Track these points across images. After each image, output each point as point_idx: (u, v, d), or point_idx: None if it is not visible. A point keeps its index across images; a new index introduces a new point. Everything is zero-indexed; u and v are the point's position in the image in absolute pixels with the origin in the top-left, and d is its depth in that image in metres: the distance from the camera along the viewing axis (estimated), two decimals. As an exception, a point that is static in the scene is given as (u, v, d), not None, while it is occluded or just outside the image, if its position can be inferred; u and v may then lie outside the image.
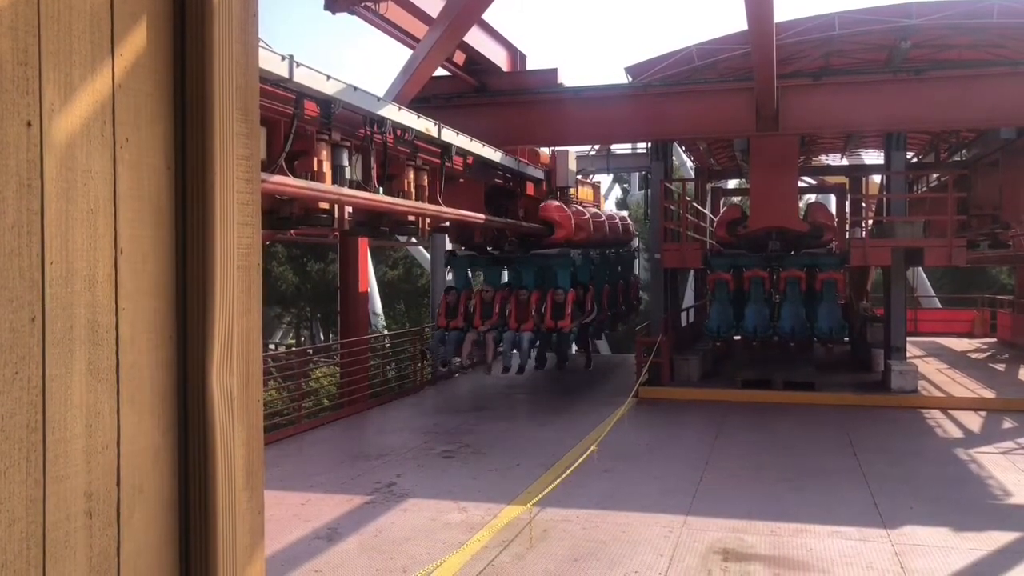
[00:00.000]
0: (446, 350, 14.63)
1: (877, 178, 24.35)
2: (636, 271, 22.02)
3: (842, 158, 26.29)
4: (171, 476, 1.73)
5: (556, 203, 14.94)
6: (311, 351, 21.76)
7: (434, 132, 10.16)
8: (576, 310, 14.74)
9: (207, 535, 1.75)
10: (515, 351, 14.45)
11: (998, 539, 7.42)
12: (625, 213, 40.62)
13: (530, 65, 17.00)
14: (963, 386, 15.64)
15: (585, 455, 9.31)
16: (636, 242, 22.14)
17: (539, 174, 14.97)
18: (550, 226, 14.75)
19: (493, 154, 12.09)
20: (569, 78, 21.37)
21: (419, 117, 9.83)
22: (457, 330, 14.51)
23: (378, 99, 9.01)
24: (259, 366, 1.87)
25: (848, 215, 21.82)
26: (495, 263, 15.66)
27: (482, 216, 12.46)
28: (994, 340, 24.04)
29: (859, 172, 24.59)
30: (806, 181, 25.31)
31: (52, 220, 1.43)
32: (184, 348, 1.74)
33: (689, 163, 26.42)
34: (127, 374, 1.60)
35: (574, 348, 17.74)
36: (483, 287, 15.22)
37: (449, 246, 17.03)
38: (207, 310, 1.72)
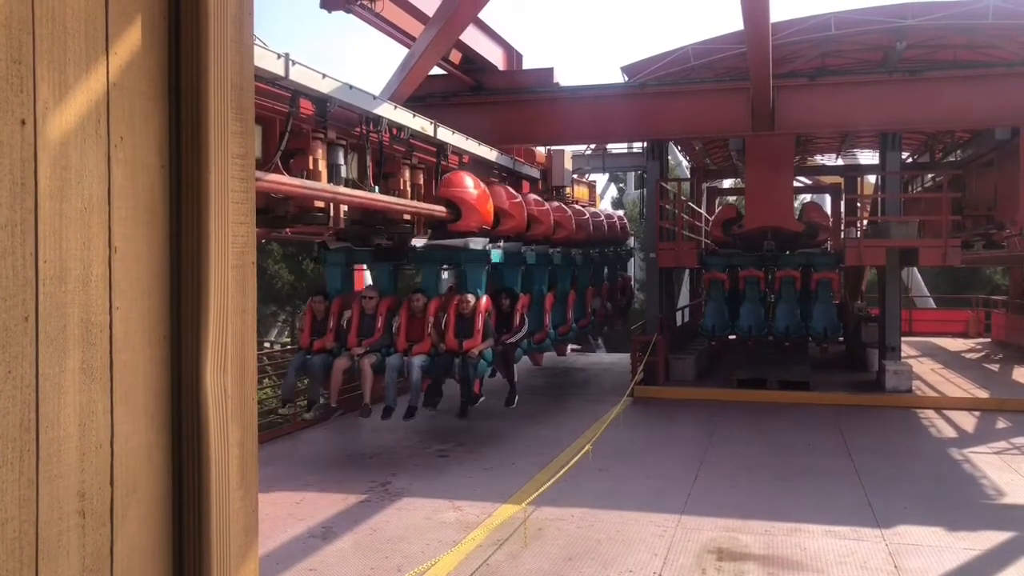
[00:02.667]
0: (311, 383, 10.87)
1: (872, 178, 24.41)
2: (630, 272, 21.54)
3: (837, 158, 26.31)
4: (165, 475, 1.73)
5: (471, 178, 10.57)
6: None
7: (430, 131, 10.16)
8: (502, 323, 11.31)
9: (201, 534, 1.75)
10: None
11: (992, 538, 7.44)
12: (621, 212, 40.66)
13: (526, 64, 17.00)
14: (957, 386, 15.67)
15: (580, 454, 9.32)
16: (632, 242, 21.80)
17: (535, 173, 14.97)
18: (456, 208, 10.30)
19: (489, 153, 12.09)
20: (565, 77, 21.38)
21: (415, 116, 9.82)
22: (324, 352, 10.50)
23: (374, 98, 9.00)
24: (254, 365, 1.87)
25: (843, 215, 21.84)
26: (383, 257, 11.17)
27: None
28: (988, 340, 24.08)
29: (854, 172, 24.64)
30: (801, 181, 25.35)
31: (46, 219, 1.43)
32: (178, 347, 1.74)
33: (685, 162, 26.43)
34: (121, 373, 1.60)
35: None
36: (366, 292, 10.94)
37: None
38: (201, 309, 1.72)
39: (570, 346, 17.13)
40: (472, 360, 10.51)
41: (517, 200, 11.93)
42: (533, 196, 13.20)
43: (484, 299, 10.83)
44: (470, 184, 10.48)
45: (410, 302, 10.65)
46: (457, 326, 10.59)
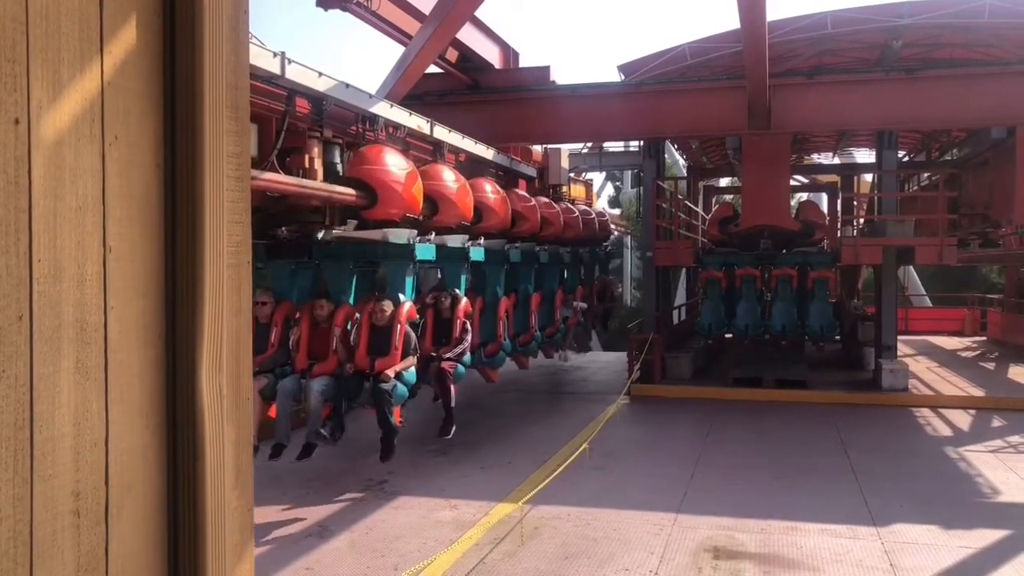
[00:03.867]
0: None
1: (868, 177, 24.43)
2: (626, 272, 21.14)
3: (834, 157, 26.33)
4: (160, 475, 1.72)
5: (395, 155, 8.71)
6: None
7: (426, 129, 10.14)
8: (440, 333, 9.74)
9: (196, 534, 1.74)
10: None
11: (987, 537, 7.46)
12: (617, 211, 40.55)
13: (523, 63, 16.99)
14: (953, 385, 15.69)
15: (577, 453, 9.32)
16: (627, 240, 21.48)
17: (532, 172, 14.95)
18: (372, 193, 8.38)
19: (485, 151, 12.07)
20: (562, 76, 21.35)
21: (411, 114, 9.81)
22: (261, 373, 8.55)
23: (370, 96, 8.99)
24: (249, 364, 1.87)
25: (839, 214, 21.86)
26: (280, 253, 8.93)
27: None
28: (984, 339, 24.13)
29: (851, 171, 24.65)
30: (798, 179, 25.37)
31: (40, 218, 1.42)
32: (173, 347, 1.74)
33: (681, 161, 26.42)
34: (116, 373, 1.59)
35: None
36: (258, 296, 8.61)
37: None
38: (196, 308, 1.72)
39: (566, 351, 15.65)
40: (385, 385, 8.45)
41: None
42: (488, 184, 11.17)
43: (406, 306, 8.80)
44: (391, 162, 8.53)
45: (312, 309, 8.61)
46: (371, 340, 8.58)
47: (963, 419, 12.99)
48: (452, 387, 9.65)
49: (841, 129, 18.37)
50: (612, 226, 30.28)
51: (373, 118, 9.00)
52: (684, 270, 23.36)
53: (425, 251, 9.21)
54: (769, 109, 14.65)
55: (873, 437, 11.62)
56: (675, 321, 19.99)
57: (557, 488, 8.43)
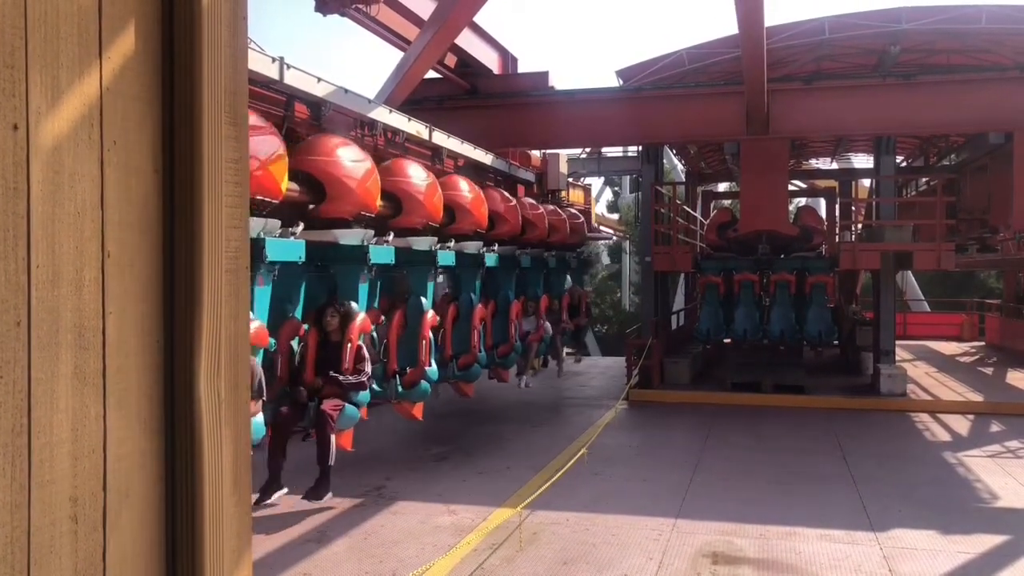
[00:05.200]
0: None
1: (867, 182, 24.46)
2: (623, 278, 20.40)
3: (832, 162, 26.38)
4: (158, 480, 1.72)
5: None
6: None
7: (425, 135, 10.15)
8: (327, 362, 7.84)
9: (194, 539, 1.74)
10: None
11: (986, 542, 7.45)
12: (613, 214, 40.50)
13: (521, 68, 17.01)
14: (951, 390, 15.70)
15: (575, 458, 9.32)
16: (625, 245, 20.97)
17: (530, 177, 14.97)
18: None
19: (484, 156, 12.08)
20: (560, 81, 21.34)
21: (410, 120, 9.82)
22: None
23: (369, 101, 9.00)
24: (247, 370, 1.87)
25: (838, 219, 21.90)
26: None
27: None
28: (982, 344, 24.16)
29: (849, 176, 24.70)
30: (796, 185, 25.41)
31: (38, 223, 1.42)
32: (172, 352, 1.74)
33: (680, 166, 26.47)
34: (114, 378, 1.59)
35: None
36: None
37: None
38: (195, 314, 1.72)
39: (525, 376, 13.31)
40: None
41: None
42: (411, 165, 9.14)
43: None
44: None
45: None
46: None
47: (961, 424, 12.99)
48: (332, 437, 7.80)
49: (839, 134, 18.41)
50: (606, 229, 29.29)
51: (372, 123, 9.01)
52: (683, 275, 23.37)
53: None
54: (767, 114, 14.68)
55: (871, 442, 11.62)
56: (674, 326, 19.99)
57: (556, 493, 8.43)
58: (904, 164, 23.98)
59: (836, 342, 18.84)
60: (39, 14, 1.42)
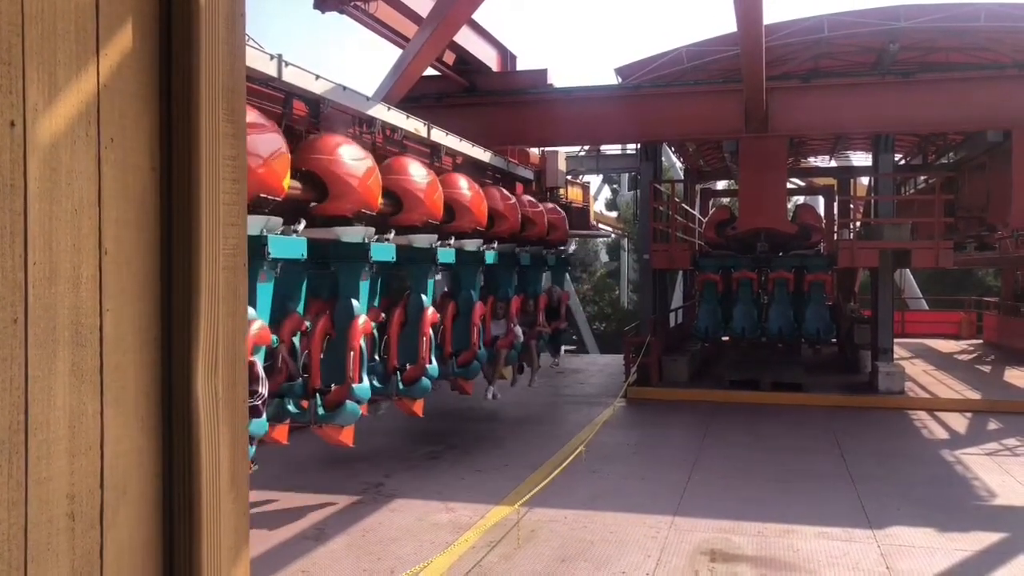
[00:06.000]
0: None
1: (865, 180, 24.48)
2: (620, 275, 19.95)
3: (830, 160, 26.40)
4: (155, 478, 1.72)
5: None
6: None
7: (423, 132, 10.14)
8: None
9: (192, 537, 1.74)
10: None
11: (983, 540, 7.47)
12: (612, 212, 40.51)
13: (520, 65, 16.99)
14: (949, 387, 15.72)
15: (573, 455, 9.33)
16: (618, 243, 20.62)
17: (529, 174, 14.96)
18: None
19: (482, 154, 12.07)
20: (559, 79, 21.32)
21: (408, 117, 9.81)
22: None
23: (367, 99, 8.99)
24: (244, 368, 1.87)
25: (836, 217, 21.91)
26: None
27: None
28: (980, 342, 24.18)
29: (847, 174, 24.71)
30: (795, 183, 25.42)
31: (35, 220, 1.42)
32: (169, 350, 1.73)
33: (678, 164, 26.48)
34: (111, 375, 1.59)
35: None
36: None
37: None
38: (192, 311, 1.72)
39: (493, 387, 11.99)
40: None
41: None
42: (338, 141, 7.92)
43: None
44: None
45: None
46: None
47: (959, 422, 13.01)
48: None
49: (838, 132, 18.42)
50: (604, 227, 28.98)
51: (370, 120, 9.00)
52: (681, 273, 23.37)
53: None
54: (766, 112, 14.68)
55: (869, 440, 11.64)
56: (672, 324, 20.00)
57: (553, 491, 8.43)
58: (902, 162, 23.98)
59: (834, 340, 18.85)
60: (36, 10, 1.42)
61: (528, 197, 13.06)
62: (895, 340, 16.04)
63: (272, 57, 7.22)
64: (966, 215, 18.31)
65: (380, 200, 8.21)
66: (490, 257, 10.97)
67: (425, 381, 9.21)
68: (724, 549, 7.24)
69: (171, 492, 1.75)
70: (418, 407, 9.50)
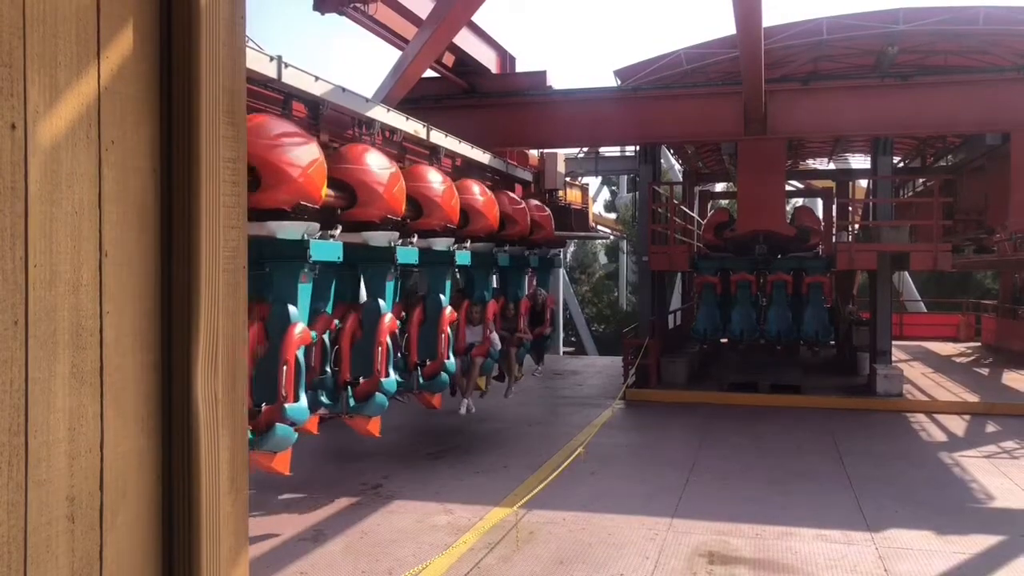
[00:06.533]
0: None
1: (864, 182, 24.49)
2: (619, 277, 19.93)
3: (829, 162, 26.42)
4: (155, 480, 1.72)
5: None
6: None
7: (423, 134, 10.13)
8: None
9: (191, 539, 1.74)
10: None
11: (981, 542, 7.47)
12: (610, 213, 40.52)
13: (519, 67, 16.99)
14: (948, 390, 15.73)
15: (572, 457, 9.33)
16: (617, 245, 20.60)
17: (528, 176, 14.96)
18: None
19: (482, 156, 12.07)
20: (558, 80, 21.34)
21: (408, 119, 9.81)
22: None
23: (366, 100, 8.99)
24: (244, 370, 1.87)
25: (835, 219, 21.93)
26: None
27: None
28: (979, 344, 24.19)
29: (846, 176, 24.73)
30: (793, 185, 25.44)
31: (36, 223, 1.42)
32: (169, 351, 1.74)
33: (677, 166, 26.49)
34: (111, 377, 1.59)
35: None
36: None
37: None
38: (192, 313, 1.72)
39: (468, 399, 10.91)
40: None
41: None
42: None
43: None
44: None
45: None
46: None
47: (957, 424, 13.01)
48: None
49: (836, 135, 18.43)
50: (603, 229, 28.85)
51: (370, 122, 9.00)
52: (680, 275, 23.37)
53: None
54: (765, 115, 14.68)
55: (868, 442, 11.64)
56: (671, 326, 20.01)
57: (552, 493, 8.43)
58: (901, 165, 24.00)
59: (833, 342, 18.85)
60: (37, 13, 1.42)
61: (509, 193, 12.03)
62: (893, 342, 16.05)
63: (272, 58, 7.22)
64: (964, 218, 18.34)
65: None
66: (462, 258, 9.84)
67: (381, 397, 8.40)
68: (722, 551, 7.24)
69: (171, 494, 1.75)
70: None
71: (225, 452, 1.79)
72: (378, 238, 8.29)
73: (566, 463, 9.08)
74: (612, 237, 38.98)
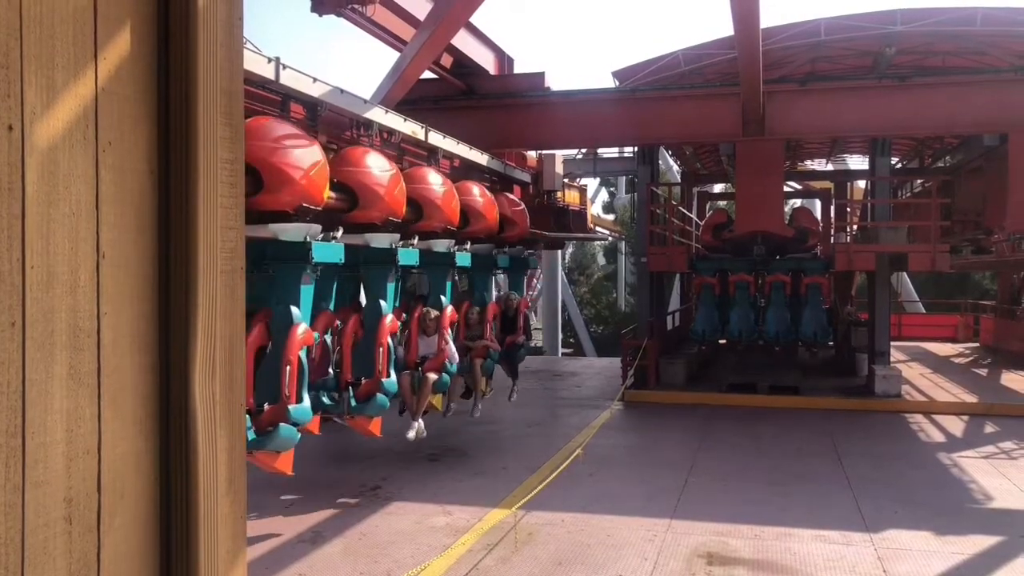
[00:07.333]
0: None
1: (862, 183, 24.50)
2: (618, 279, 19.76)
3: (827, 163, 26.43)
4: (153, 481, 1.72)
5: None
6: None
7: (421, 135, 10.13)
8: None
9: (189, 540, 1.74)
10: None
11: (979, 543, 7.47)
12: (609, 214, 40.53)
13: (517, 68, 16.99)
14: (946, 391, 15.73)
15: (571, 458, 9.32)
16: (615, 246, 20.56)
17: (526, 177, 14.96)
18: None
19: (480, 157, 12.06)
20: (556, 82, 21.34)
21: (406, 120, 9.80)
22: None
23: (365, 102, 8.99)
24: (242, 371, 1.87)
25: (833, 220, 21.93)
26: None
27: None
28: (977, 345, 24.21)
29: (844, 177, 24.74)
30: (791, 186, 25.45)
31: (33, 224, 1.42)
32: (166, 353, 1.73)
33: (675, 167, 26.50)
34: (109, 379, 1.59)
35: None
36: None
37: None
38: (190, 315, 1.72)
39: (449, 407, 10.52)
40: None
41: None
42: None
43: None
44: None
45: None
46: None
47: (956, 425, 13.02)
48: None
49: (834, 136, 18.43)
50: (602, 230, 28.86)
51: (368, 123, 9.00)
52: (678, 276, 23.37)
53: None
54: (763, 116, 14.69)
55: (866, 443, 11.64)
56: (669, 327, 20.01)
57: (551, 494, 8.43)
58: (899, 165, 24.02)
59: (831, 343, 18.85)
60: (34, 14, 1.42)
61: (476, 185, 10.63)
62: (892, 343, 16.05)
63: (270, 60, 7.21)
64: (963, 218, 18.34)
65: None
66: (408, 257, 8.63)
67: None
68: (721, 552, 7.24)
69: (168, 495, 1.74)
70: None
71: (223, 453, 1.79)
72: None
73: (565, 464, 9.07)
74: (610, 238, 39.00)
